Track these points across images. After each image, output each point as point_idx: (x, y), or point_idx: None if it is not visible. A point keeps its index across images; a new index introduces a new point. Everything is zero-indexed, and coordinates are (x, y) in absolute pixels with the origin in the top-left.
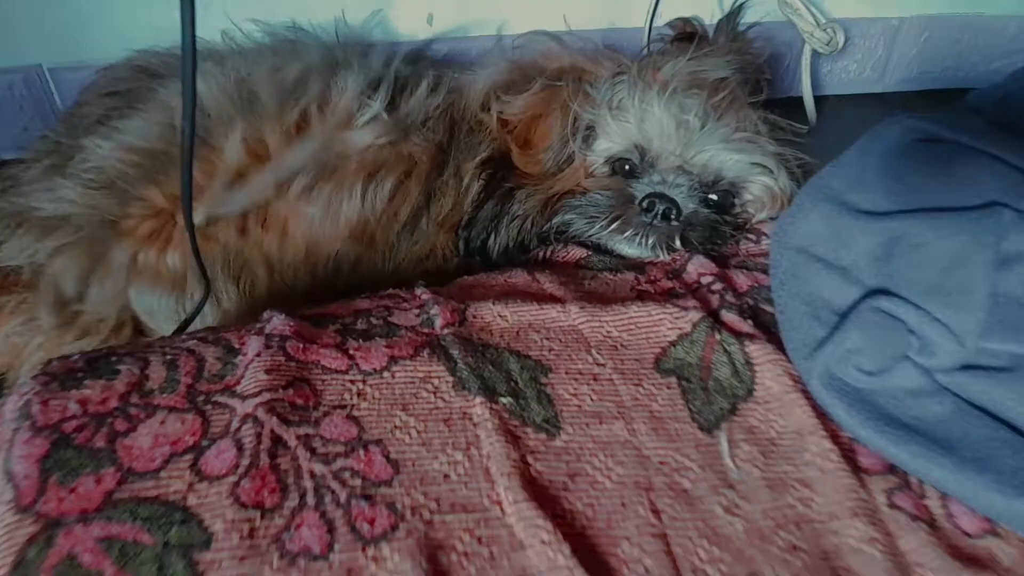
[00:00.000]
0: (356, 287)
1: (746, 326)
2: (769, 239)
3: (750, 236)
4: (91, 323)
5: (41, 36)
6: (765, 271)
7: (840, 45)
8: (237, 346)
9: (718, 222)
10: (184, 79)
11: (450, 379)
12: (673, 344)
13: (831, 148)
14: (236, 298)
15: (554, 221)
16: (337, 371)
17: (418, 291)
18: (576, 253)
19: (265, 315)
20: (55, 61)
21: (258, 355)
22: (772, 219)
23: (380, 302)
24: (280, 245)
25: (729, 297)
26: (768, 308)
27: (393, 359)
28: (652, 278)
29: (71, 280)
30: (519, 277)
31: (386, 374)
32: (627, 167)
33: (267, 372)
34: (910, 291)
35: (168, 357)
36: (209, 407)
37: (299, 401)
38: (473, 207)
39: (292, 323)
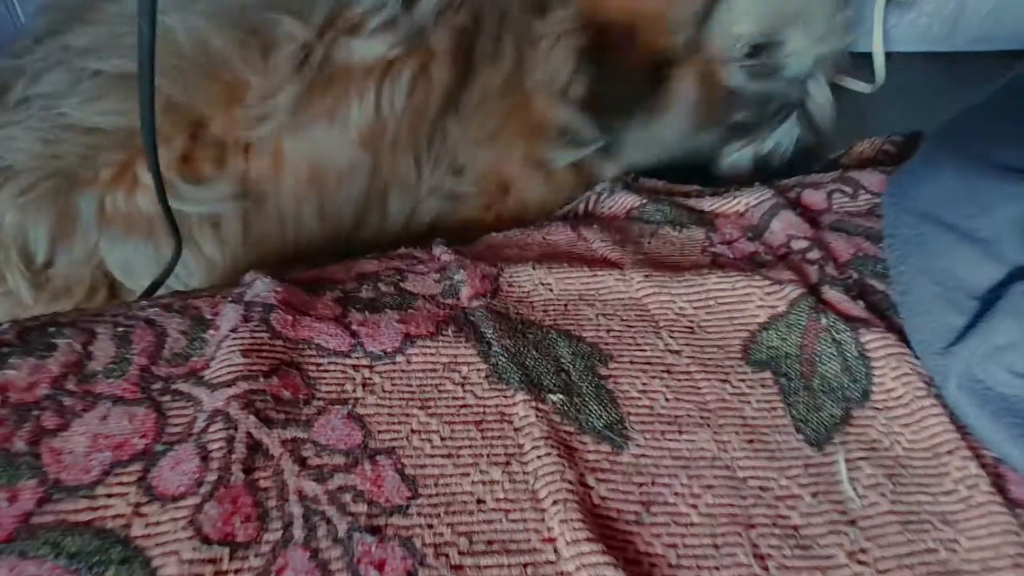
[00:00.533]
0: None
1: (856, 308)
2: (869, 194)
3: (844, 188)
4: (61, 288)
5: None
6: (868, 236)
7: None
8: (209, 317)
9: None
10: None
11: (482, 367)
12: (764, 327)
13: (902, 109)
14: (219, 250)
15: None
16: (336, 352)
17: (436, 250)
18: (628, 201)
19: (247, 277)
20: None
21: (234, 330)
22: (869, 166)
23: (390, 263)
24: (274, 172)
25: (830, 269)
26: (879, 285)
27: (409, 338)
28: (728, 237)
29: (40, 240)
30: (560, 234)
31: (400, 358)
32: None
33: (244, 354)
34: None
35: (120, 329)
36: (167, 398)
37: (285, 393)
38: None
39: (280, 288)
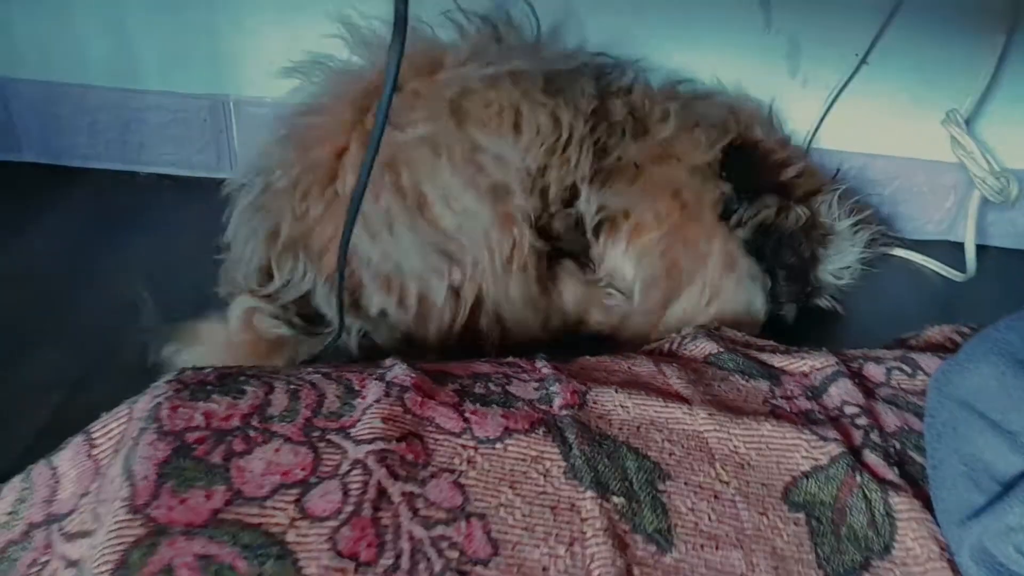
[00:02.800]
0: None
1: (891, 473)
2: (926, 376)
3: (904, 367)
4: None
5: (232, 69)
6: (918, 413)
7: (1014, 197)
8: (357, 388)
9: None
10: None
11: (563, 464)
12: (806, 475)
13: (989, 303)
14: None
15: None
16: (451, 432)
17: (539, 364)
18: (707, 347)
19: (387, 362)
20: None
21: (377, 401)
22: (931, 352)
23: (500, 369)
24: None
25: (875, 436)
26: (917, 457)
27: (508, 431)
28: (788, 393)
29: None
30: (644, 367)
31: (499, 445)
32: None
33: (383, 420)
34: None
35: (292, 387)
36: (323, 444)
37: (409, 456)
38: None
39: (413, 374)
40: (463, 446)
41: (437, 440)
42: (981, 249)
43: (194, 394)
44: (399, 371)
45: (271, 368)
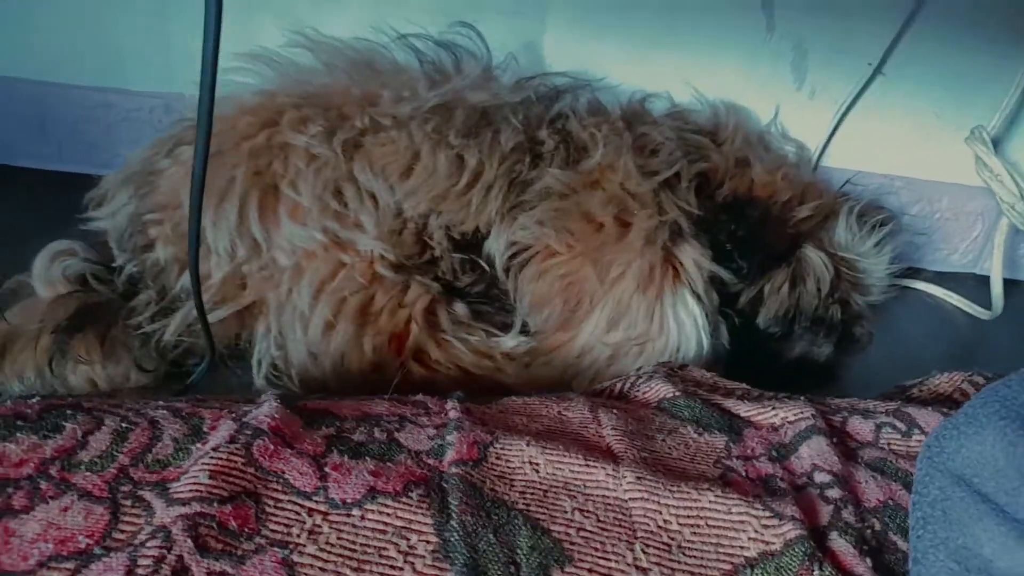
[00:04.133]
0: None
1: (862, 565)
2: (923, 435)
3: (897, 424)
4: None
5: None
6: (907, 484)
7: None
8: (206, 429)
9: None
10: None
11: (432, 540)
12: (751, 564)
13: (1017, 346)
14: None
15: None
16: (299, 491)
17: (449, 404)
18: (660, 390)
19: (264, 396)
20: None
21: (215, 448)
22: (935, 406)
23: (399, 409)
24: None
25: (848, 514)
26: (901, 543)
27: (373, 492)
28: (749, 451)
29: None
30: (577, 412)
31: (356, 511)
32: None
33: (212, 475)
34: None
35: (124, 425)
36: (128, 502)
37: (233, 523)
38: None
39: (277, 415)
40: (310, 510)
41: (279, 502)
42: (1010, 284)
43: None
44: (264, 409)
45: (114, 401)
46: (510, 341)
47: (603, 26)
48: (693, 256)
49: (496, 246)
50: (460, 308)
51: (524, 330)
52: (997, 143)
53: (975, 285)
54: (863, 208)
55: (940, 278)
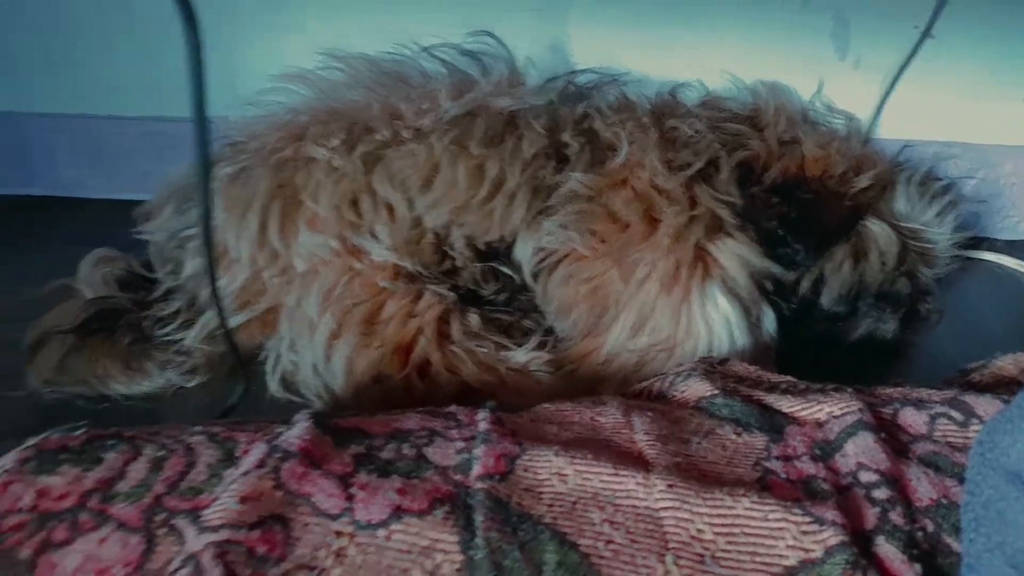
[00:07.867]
0: None
1: (911, 573)
2: (980, 424)
3: (954, 414)
4: None
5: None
6: (963, 480)
7: None
8: (239, 454)
9: None
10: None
11: (458, 559)
12: (790, 574)
13: None
14: None
15: None
16: (327, 514)
17: (479, 415)
18: (698, 389)
19: (297, 416)
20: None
21: (245, 473)
22: (997, 392)
23: (429, 423)
24: None
25: (896, 515)
26: (955, 544)
27: (398, 511)
28: (790, 451)
29: None
30: (610, 418)
31: (381, 531)
32: None
33: (242, 500)
34: None
35: (160, 453)
36: (163, 531)
37: (262, 548)
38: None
39: (308, 437)
40: (337, 533)
41: (307, 525)
42: None
43: (41, 465)
44: (295, 431)
45: (154, 429)
46: (521, 356)
47: (628, 16)
48: (734, 250)
49: (523, 253)
50: (474, 319)
51: (544, 340)
52: None
53: None
54: (922, 176)
55: (1010, 247)
